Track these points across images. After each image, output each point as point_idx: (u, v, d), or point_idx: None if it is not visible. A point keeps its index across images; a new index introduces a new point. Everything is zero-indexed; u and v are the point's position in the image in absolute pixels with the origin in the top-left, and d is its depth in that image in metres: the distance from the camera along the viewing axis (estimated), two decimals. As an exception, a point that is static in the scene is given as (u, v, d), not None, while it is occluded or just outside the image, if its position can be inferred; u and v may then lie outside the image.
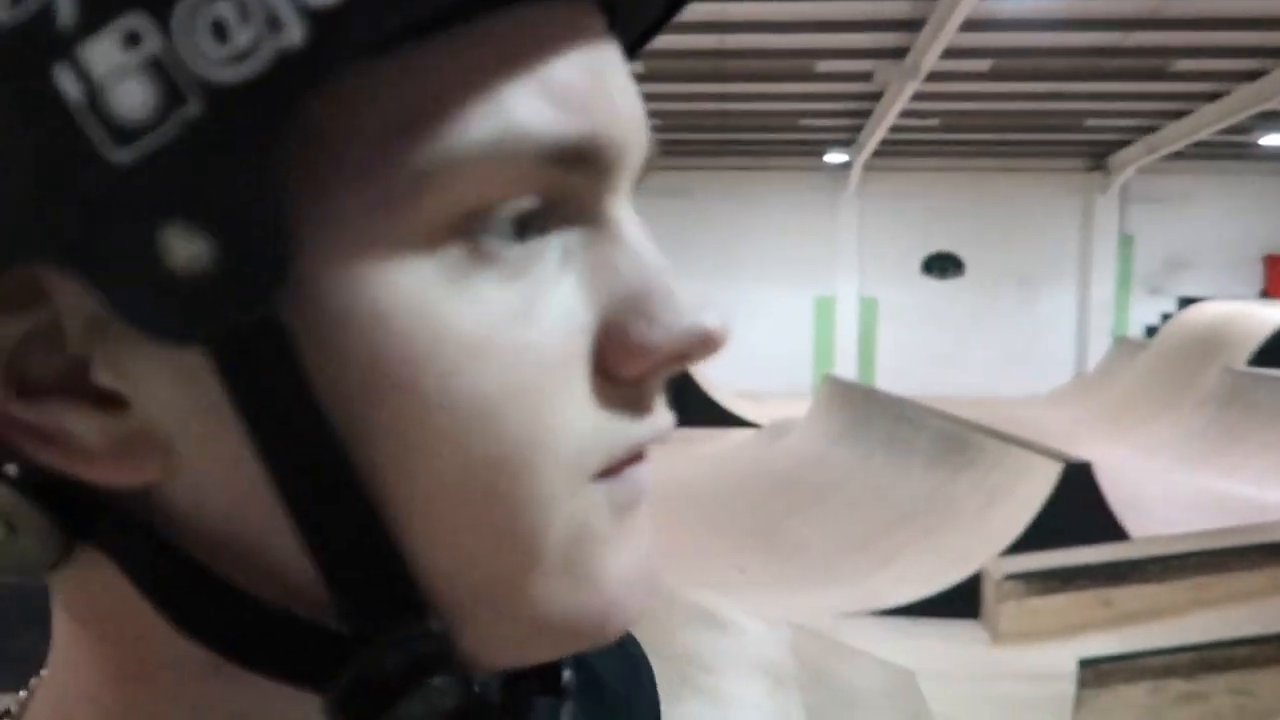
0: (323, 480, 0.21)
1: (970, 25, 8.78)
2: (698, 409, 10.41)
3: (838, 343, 15.65)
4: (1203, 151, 14.02)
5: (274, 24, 0.18)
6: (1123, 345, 14.30)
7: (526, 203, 0.23)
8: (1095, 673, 3.96)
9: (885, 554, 6.04)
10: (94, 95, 0.18)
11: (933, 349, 15.12)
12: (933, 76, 9.99)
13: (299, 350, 0.21)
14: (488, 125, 0.22)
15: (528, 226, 0.23)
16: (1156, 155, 13.65)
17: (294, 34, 0.18)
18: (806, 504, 7.19)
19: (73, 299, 0.21)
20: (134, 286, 0.19)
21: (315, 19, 0.18)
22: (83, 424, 0.22)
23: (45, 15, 0.18)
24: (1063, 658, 4.35)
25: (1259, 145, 13.65)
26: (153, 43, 0.18)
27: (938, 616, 5.46)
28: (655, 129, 0.28)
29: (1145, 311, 15.18)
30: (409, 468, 0.22)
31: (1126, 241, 15.54)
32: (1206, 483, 8.57)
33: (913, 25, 9.16)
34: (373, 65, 0.21)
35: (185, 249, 0.18)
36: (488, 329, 0.22)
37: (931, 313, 15.42)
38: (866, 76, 10.20)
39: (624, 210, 0.26)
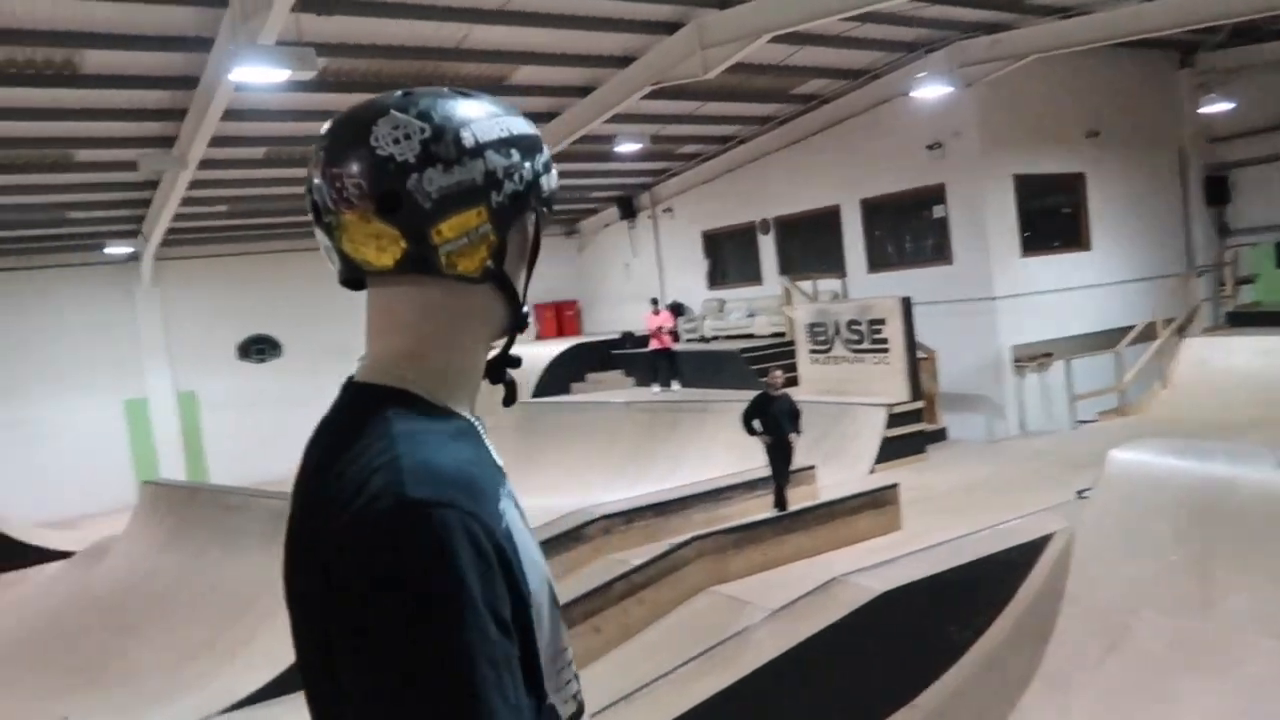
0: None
1: (235, 115, 8.99)
2: (-11, 552, 8.88)
3: (159, 444, 14.58)
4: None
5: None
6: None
7: None
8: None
9: (230, 647, 5.88)
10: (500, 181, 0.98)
11: (263, 432, 14.87)
12: (207, 164, 9.97)
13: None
14: None
15: None
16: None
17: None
18: (139, 622, 6.63)
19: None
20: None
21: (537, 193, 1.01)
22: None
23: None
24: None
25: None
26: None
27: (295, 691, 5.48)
28: None
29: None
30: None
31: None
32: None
33: (175, 114, 9.05)
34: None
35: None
36: None
37: (257, 396, 15.22)
38: (132, 165, 9.73)
39: None
